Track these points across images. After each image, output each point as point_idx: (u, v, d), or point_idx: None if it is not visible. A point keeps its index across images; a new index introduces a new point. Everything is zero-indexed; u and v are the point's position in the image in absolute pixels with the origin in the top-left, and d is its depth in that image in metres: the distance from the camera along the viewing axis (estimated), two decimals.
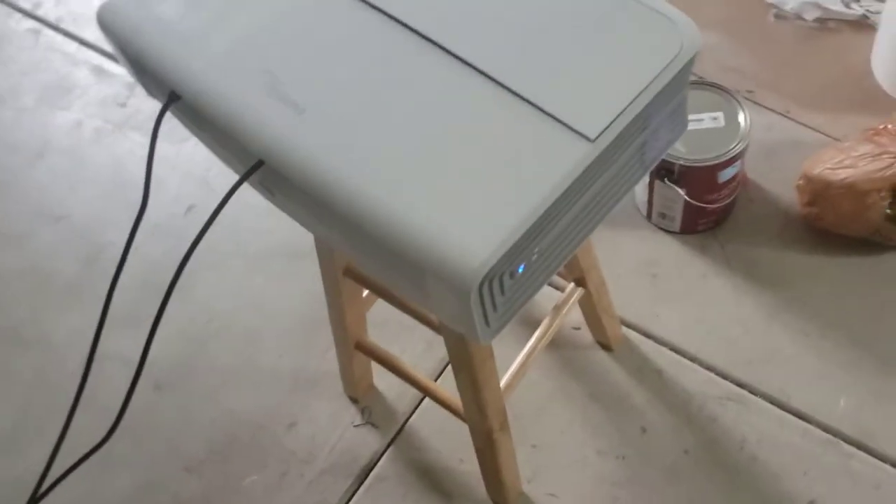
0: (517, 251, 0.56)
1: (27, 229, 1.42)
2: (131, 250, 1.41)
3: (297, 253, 1.34)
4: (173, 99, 0.67)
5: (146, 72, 0.69)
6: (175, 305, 1.22)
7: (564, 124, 0.58)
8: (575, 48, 0.62)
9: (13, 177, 1.50)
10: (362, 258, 0.65)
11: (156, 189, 1.47)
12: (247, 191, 0.66)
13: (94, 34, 1.71)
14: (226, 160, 0.71)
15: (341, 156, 0.59)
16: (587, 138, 0.58)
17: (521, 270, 0.59)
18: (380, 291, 0.91)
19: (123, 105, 1.58)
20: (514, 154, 0.58)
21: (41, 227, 1.42)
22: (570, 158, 0.57)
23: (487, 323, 0.59)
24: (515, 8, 0.65)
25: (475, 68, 0.61)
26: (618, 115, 0.59)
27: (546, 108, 0.59)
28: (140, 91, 1.59)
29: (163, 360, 1.28)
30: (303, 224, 0.70)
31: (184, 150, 1.47)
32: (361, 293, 0.98)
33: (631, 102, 0.59)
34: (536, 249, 0.59)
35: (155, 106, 1.43)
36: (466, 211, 0.56)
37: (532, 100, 0.59)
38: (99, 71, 1.64)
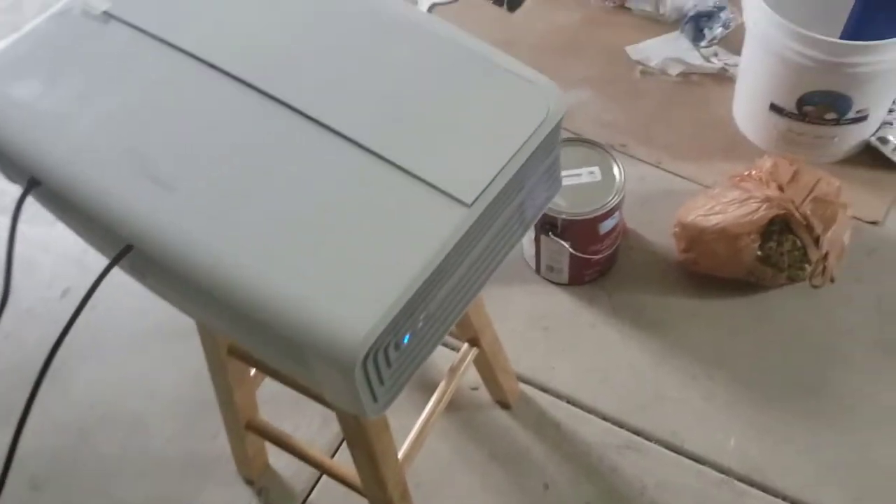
0: (401, 321, 0.55)
1: None
2: (3, 339, 1.34)
3: (177, 333, 1.29)
4: (33, 184, 0.64)
5: (2, 157, 0.66)
6: (52, 395, 1.15)
7: (440, 190, 0.58)
8: (445, 115, 0.63)
9: None
10: (242, 339, 0.63)
11: (28, 272, 1.41)
12: (122, 272, 0.63)
13: None
14: (94, 245, 0.68)
15: (214, 235, 0.57)
16: (464, 203, 0.58)
17: (406, 340, 0.58)
18: (267, 370, 0.89)
19: None
20: (391, 223, 0.58)
21: None
22: (449, 224, 0.57)
23: (375, 398, 0.58)
24: (381, 77, 0.65)
25: (346, 137, 0.61)
26: (493, 179, 0.59)
27: (421, 175, 0.59)
28: None
29: (41, 454, 1.20)
30: (179, 307, 0.67)
31: (56, 231, 1.40)
32: (249, 371, 0.95)
33: (505, 165, 0.60)
34: (422, 316, 0.58)
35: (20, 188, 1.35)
36: (345, 284, 0.55)
37: (406, 167, 0.59)
38: None
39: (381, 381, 0.57)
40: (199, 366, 1.23)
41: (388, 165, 0.60)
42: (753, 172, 1.22)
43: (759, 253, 1.18)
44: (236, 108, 0.63)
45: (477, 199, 0.58)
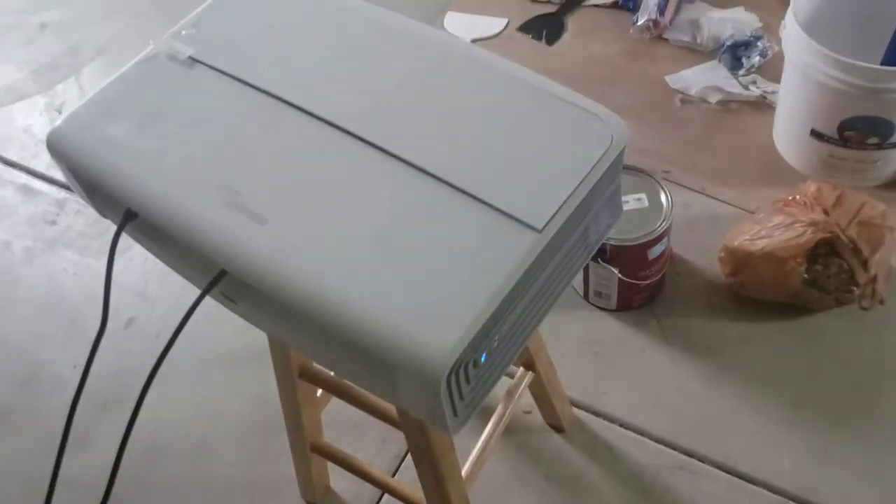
0: (479, 340, 0.59)
1: None
2: (70, 368, 1.39)
3: (239, 359, 1.33)
4: (130, 217, 0.69)
5: (100, 193, 0.71)
6: (117, 424, 1.19)
7: (513, 217, 0.62)
8: (515, 146, 0.67)
9: None
10: (328, 358, 0.67)
11: (93, 304, 1.47)
12: (188, 300, 0.66)
13: (19, 153, 1.70)
14: (184, 274, 0.72)
15: (304, 261, 0.61)
16: (535, 229, 0.62)
17: (483, 359, 0.61)
18: (336, 390, 0.92)
19: (53, 223, 1.57)
20: (469, 248, 0.61)
21: None
22: (521, 248, 0.61)
23: (455, 413, 0.61)
24: (453, 110, 0.70)
25: (423, 169, 0.65)
26: (561, 206, 0.63)
27: (495, 203, 0.63)
28: (70, 208, 1.59)
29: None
30: (266, 330, 0.71)
31: (119, 264, 1.46)
32: (316, 393, 0.98)
33: (572, 193, 0.63)
34: (497, 337, 0.62)
35: (86, 222, 1.43)
36: (430, 305, 0.58)
37: (481, 196, 0.63)
38: (26, 190, 1.63)
39: (462, 397, 0.61)
40: (260, 391, 1.28)
41: (464, 195, 0.63)
42: (798, 197, 1.24)
43: (805, 276, 1.20)
44: (317, 144, 0.68)
45: (547, 224, 0.62)
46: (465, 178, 0.64)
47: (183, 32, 0.78)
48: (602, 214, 0.71)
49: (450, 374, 0.57)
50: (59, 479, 0.94)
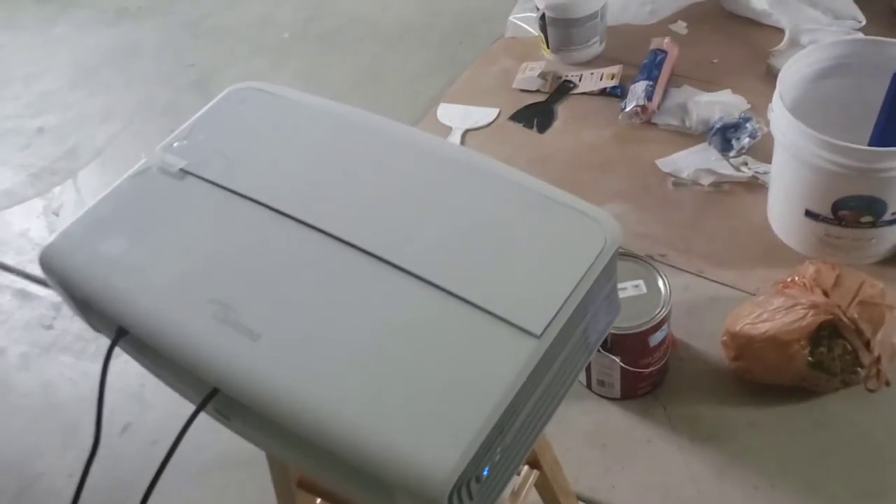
0: (481, 455, 0.57)
1: None
2: (65, 478, 1.36)
3: (237, 464, 1.31)
4: (122, 334, 0.68)
5: (93, 310, 0.70)
6: None
7: (510, 323, 0.61)
8: (508, 250, 0.66)
9: None
10: (326, 475, 0.65)
11: (89, 410, 1.44)
12: (186, 405, 0.65)
13: (16, 258, 1.71)
14: (178, 390, 0.71)
15: (298, 378, 0.60)
16: (533, 335, 0.61)
17: (486, 473, 0.60)
18: (337, 501, 0.90)
19: (50, 327, 1.56)
20: (466, 357, 0.60)
21: None
22: (521, 356, 0.60)
23: None
24: (444, 216, 0.69)
25: (417, 276, 0.64)
26: (559, 310, 0.62)
27: (490, 308, 0.62)
28: (66, 311, 1.58)
29: None
30: (261, 447, 0.70)
31: (115, 366, 1.43)
32: (316, 503, 0.96)
33: (569, 296, 0.63)
34: (499, 449, 0.60)
35: (83, 325, 1.41)
36: (427, 421, 0.57)
37: (476, 302, 0.62)
38: (22, 295, 1.63)
39: None
40: (258, 496, 1.24)
41: (458, 301, 0.63)
42: (797, 279, 1.23)
43: (810, 359, 1.18)
44: (310, 254, 0.67)
45: (545, 329, 0.61)
46: (459, 285, 0.64)
47: (175, 144, 0.79)
48: (600, 313, 0.70)
49: (451, 494, 0.55)
50: None
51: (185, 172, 0.76)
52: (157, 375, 0.73)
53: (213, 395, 0.62)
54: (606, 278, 0.67)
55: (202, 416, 0.71)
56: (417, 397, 0.58)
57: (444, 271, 0.65)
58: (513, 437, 0.62)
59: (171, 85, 2.08)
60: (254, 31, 2.22)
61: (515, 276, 0.65)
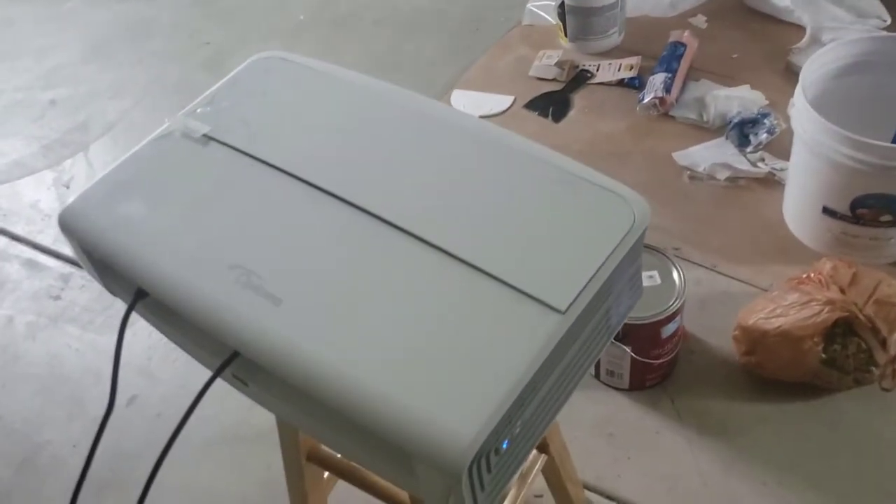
0: (501, 427, 0.56)
1: None
2: (70, 448, 1.35)
3: (244, 439, 1.30)
4: (140, 296, 0.67)
5: (112, 272, 0.69)
6: (120, 502, 1.14)
7: (535, 299, 0.60)
8: (536, 226, 0.66)
9: None
10: (343, 445, 0.64)
11: (95, 381, 1.44)
12: (193, 379, 0.64)
13: (25, 228, 1.70)
14: (195, 354, 0.70)
15: (320, 344, 0.59)
16: (558, 310, 0.60)
17: (505, 446, 0.59)
18: (346, 475, 0.89)
19: (57, 298, 1.55)
20: (490, 330, 0.60)
21: None
22: (545, 331, 0.59)
23: (476, 503, 0.59)
24: (472, 189, 0.69)
25: (442, 249, 0.64)
26: (584, 287, 0.61)
27: (516, 284, 0.61)
28: (74, 283, 1.57)
29: None
30: (278, 414, 0.69)
31: (124, 341, 1.44)
32: (323, 477, 0.95)
33: (595, 273, 0.62)
34: (519, 423, 0.59)
35: (91, 296, 1.42)
36: (450, 391, 0.56)
37: (502, 277, 0.62)
38: (31, 265, 1.62)
39: (483, 487, 0.58)
40: (265, 472, 1.24)
41: (484, 275, 0.62)
42: (812, 275, 1.23)
43: (823, 356, 1.18)
44: (334, 224, 0.67)
45: (570, 306, 0.60)
46: (485, 259, 0.63)
47: (198, 110, 0.78)
48: (623, 295, 0.69)
49: (471, 464, 0.55)
50: None
51: (208, 138, 0.75)
52: (175, 340, 0.72)
53: (233, 359, 0.61)
54: (632, 259, 0.67)
55: (210, 389, 0.70)
56: (440, 366, 0.57)
57: (469, 245, 0.64)
58: (532, 411, 0.61)
59: (184, 62, 2.07)
60: (268, 13, 2.21)
61: (542, 252, 0.64)
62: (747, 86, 1.68)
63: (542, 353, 0.58)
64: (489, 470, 0.58)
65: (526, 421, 0.61)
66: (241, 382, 0.66)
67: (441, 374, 0.57)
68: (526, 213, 0.66)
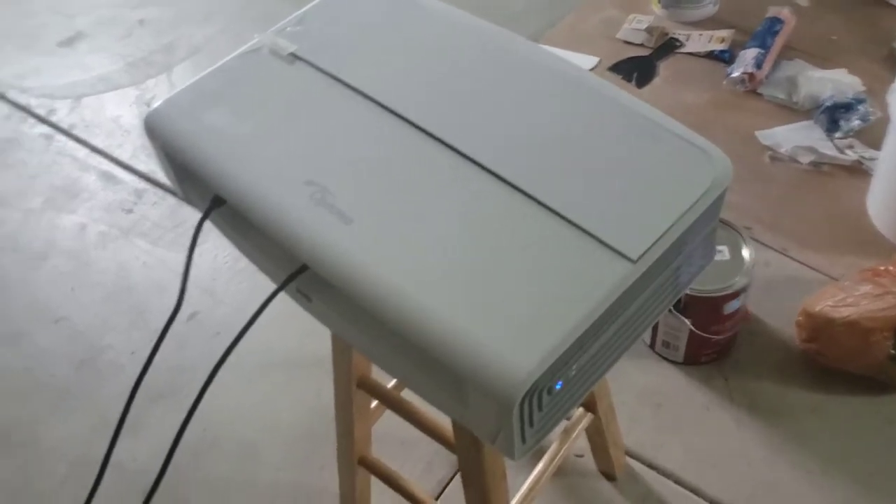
0: (558, 366, 0.56)
1: (24, 329, 1.40)
2: (128, 355, 1.40)
3: (296, 366, 1.33)
4: (217, 204, 0.68)
5: (191, 177, 0.70)
6: (169, 414, 1.18)
7: (608, 245, 0.60)
8: (616, 174, 0.65)
9: (15, 277, 1.49)
10: (399, 366, 0.65)
11: (159, 294, 1.48)
12: (254, 305, 0.65)
13: (105, 141, 1.74)
14: (262, 266, 0.71)
15: (388, 264, 0.59)
16: (630, 259, 0.59)
17: (558, 387, 0.59)
18: (393, 403, 0.90)
19: (130, 211, 1.59)
20: (559, 271, 0.59)
21: (39, 329, 1.40)
22: (613, 277, 0.58)
23: (524, 439, 0.59)
24: (556, 133, 0.68)
25: (519, 188, 0.63)
26: (658, 238, 0.60)
27: (590, 229, 0.61)
28: (147, 199, 1.61)
29: (153, 471, 1.24)
30: (337, 331, 0.70)
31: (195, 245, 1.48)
32: (370, 406, 0.97)
33: (671, 227, 0.61)
34: (575, 366, 0.59)
35: (162, 213, 1.45)
36: (512, 323, 0.56)
37: (577, 221, 0.61)
38: (107, 177, 1.66)
39: (532, 424, 0.58)
40: (314, 399, 1.26)
41: (559, 218, 0.61)
42: (891, 268, 1.19)
43: (892, 351, 1.14)
44: (412, 152, 0.67)
45: (642, 256, 0.59)
46: (561, 202, 0.62)
47: (288, 29, 0.78)
48: (695, 255, 0.68)
49: (524, 398, 0.55)
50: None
51: (295, 57, 0.75)
52: (244, 251, 0.73)
53: (301, 272, 0.62)
54: (709, 218, 0.65)
55: (268, 314, 0.70)
56: (504, 299, 0.57)
57: (549, 186, 0.63)
58: (589, 358, 0.61)
59: None
60: None
61: (620, 200, 0.63)
62: (844, 70, 1.62)
63: (608, 299, 0.58)
64: (540, 408, 0.58)
65: (582, 366, 0.61)
66: (304, 297, 0.66)
67: (506, 307, 0.57)
68: (609, 160, 0.65)
